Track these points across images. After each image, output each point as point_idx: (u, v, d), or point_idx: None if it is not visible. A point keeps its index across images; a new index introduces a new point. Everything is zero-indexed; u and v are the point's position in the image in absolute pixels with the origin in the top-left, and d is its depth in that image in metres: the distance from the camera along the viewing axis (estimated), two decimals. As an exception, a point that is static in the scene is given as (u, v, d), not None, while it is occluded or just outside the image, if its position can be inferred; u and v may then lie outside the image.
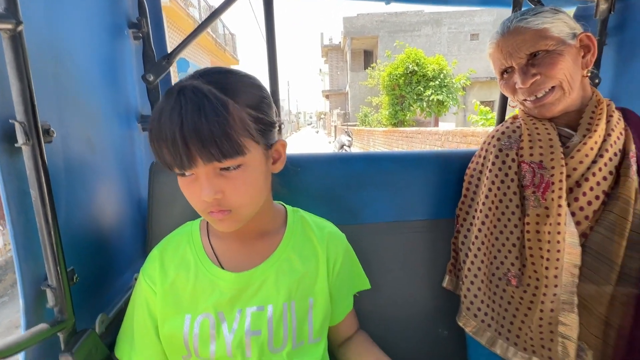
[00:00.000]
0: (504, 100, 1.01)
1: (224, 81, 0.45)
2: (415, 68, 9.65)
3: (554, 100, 0.66)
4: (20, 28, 0.40)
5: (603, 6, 1.00)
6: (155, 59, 0.80)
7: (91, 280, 0.59)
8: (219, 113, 0.41)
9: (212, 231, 0.57)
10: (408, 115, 10.48)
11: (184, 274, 0.53)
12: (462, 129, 5.77)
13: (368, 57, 20.72)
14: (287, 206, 0.64)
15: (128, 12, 0.78)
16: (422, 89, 9.60)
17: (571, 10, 1.13)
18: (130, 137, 0.79)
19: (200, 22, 0.89)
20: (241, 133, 0.44)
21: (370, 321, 0.78)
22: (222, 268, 0.53)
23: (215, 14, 0.84)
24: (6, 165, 0.42)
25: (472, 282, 0.73)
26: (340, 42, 22.61)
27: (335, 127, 20.74)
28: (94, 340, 0.52)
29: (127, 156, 0.78)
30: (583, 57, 0.68)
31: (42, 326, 0.44)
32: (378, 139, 11.64)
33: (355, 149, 13.69)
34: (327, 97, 28.50)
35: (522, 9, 0.97)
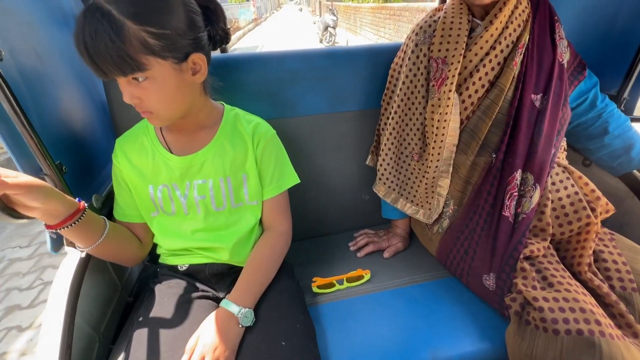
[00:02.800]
0: None
1: (121, 11, 0.49)
2: None
3: None
4: None
5: None
6: (76, -47, 0.77)
7: (80, 170, 0.77)
8: (112, 38, 0.48)
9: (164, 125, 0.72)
10: (399, -15, 9.16)
11: (144, 157, 0.70)
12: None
13: None
14: (226, 105, 0.76)
15: None
16: (417, -51, 8.10)
17: None
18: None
19: None
20: (139, 51, 0.51)
21: (310, 190, 1.01)
22: (172, 153, 0.70)
23: None
24: None
25: (384, 159, 0.92)
26: None
27: (319, 2, 18.22)
28: (92, 210, 0.72)
29: (76, 60, 0.84)
30: None
31: None
32: (365, 18, 10.50)
33: (341, 31, 12.46)
34: (309, -38, 23.87)
35: None
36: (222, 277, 0.74)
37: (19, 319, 1.63)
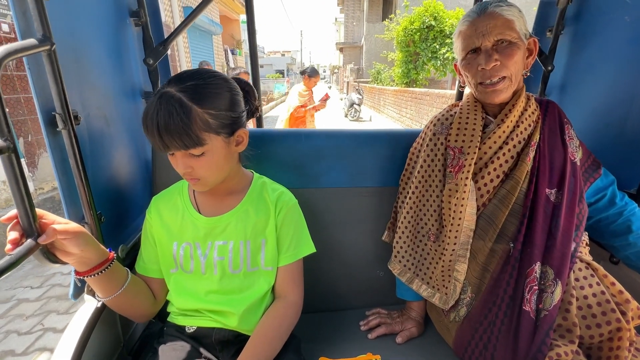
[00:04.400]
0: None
1: (193, 89, 0.61)
2: (433, 23, 9.09)
3: (502, 88, 0.77)
4: (53, 48, 0.57)
5: (564, -4, 1.06)
6: (154, 44, 0.95)
7: (114, 221, 0.83)
8: (183, 119, 0.59)
9: None
10: (421, 74, 10.11)
11: (174, 215, 0.75)
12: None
13: (387, 7, 19.33)
14: (255, 173, 0.84)
15: (128, 2, 0.92)
16: (437, 46, 9.14)
17: (539, -4, 1.18)
18: (136, 110, 0.97)
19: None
20: (201, 129, 0.61)
21: (325, 261, 1.01)
22: (200, 213, 0.75)
23: (202, 4, 0.96)
24: (52, 142, 0.62)
25: (400, 237, 0.93)
26: (357, -11, 20.98)
27: (347, 83, 20.14)
28: (117, 259, 0.76)
29: (134, 126, 0.97)
30: (527, 58, 0.80)
31: None
32: (388, 99, 11.40)
33: (366, 108, 13.47)
34: (341, 50, 27.18)
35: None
36: (228, 344, 0.72)
37: (9, 366, 1.57)
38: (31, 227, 0.51)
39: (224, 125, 0.65)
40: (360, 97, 10.21)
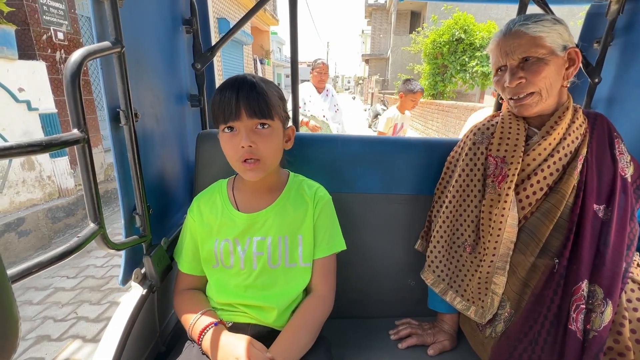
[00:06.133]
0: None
1: (261, 80, 0.71)
2: (462, 35, 8.97)
3: (531, 103, 0.77)
4: (123, 50, 0.62)
5: (614, 7, 1.03)
6: (202, 51, 1.01)
7: (159, 215, 0.87)
8: (260, 90, 0.68)
9: (235, 186, 0.82)
10: (448, 87, 9.96)
11: (214, 212, 0.78)
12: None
13: (415, 20, 19.34)
14: (291, 172, 0.86)
15: (182, 11, 0.98)
16: (466, 59, 9.00)
17: (586, 7, 1.15)
18: (182, 111, 1.03)
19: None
20: (273, 105, 0.70)
21: (356, 266, 1.01)
22: (239, 210, 0.77)
23: (250, 13, 1.01)
24: (115, 136, 0.67)
25: (435, 246, 0.92)
26: (386, 1, 21.17)
27: (372, 94, 20.17)
28: (161, 250, 0.80)
29: (180, 126, 1.02)
30: (567, 68, 0.77)
31: (134, 237, 0.72)
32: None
33: (390, 119, 13.39)
34: (366, 61, 27.37)
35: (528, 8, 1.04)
36: (261, 340, 0.73)
37: (44, 351, 1.65)
38: (95, 212, 0.55)
39: (282, 110, 0.74)
40: (385, 108, 10.19)
